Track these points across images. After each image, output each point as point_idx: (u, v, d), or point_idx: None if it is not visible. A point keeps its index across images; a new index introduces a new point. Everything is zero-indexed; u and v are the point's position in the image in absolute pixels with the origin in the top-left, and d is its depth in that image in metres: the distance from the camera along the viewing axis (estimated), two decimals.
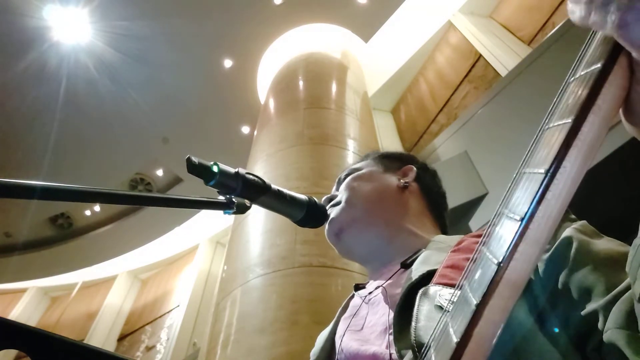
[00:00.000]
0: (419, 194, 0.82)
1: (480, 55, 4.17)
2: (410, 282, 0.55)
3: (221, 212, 0.60)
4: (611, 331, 0.36)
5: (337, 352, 0.63)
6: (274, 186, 0.65)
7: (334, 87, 4.14)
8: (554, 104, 0.30)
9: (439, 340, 0.31)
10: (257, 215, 2.78)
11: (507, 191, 0.30)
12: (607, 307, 0.38)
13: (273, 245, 2.52)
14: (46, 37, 5.01)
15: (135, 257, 7.51)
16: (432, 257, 0.60)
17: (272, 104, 4.28)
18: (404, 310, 0.51)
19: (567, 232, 0.47)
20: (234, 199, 0.60)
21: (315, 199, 0.73)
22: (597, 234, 0.47)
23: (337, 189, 0.85)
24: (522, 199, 0.27)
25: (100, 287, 7.83)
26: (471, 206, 2.69)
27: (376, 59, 5.31)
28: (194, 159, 0.55)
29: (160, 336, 6.12)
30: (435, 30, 5.02)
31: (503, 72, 3.59)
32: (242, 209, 0.61)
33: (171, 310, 6.43)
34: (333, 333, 0.69)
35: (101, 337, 6.59)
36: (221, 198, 0.59)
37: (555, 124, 0.28)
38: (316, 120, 3.55)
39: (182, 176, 6.57)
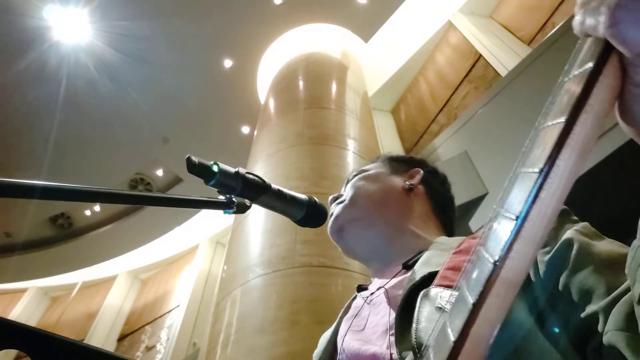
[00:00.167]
0: (425, 197, 0.82)
1: (480, 55, 4.17)
2: (411, 283, 0.55)
3: (221, 211, 0.60)
4: (611, 333, 0.37)
5: (338, 352, 0.64)
6: (274, 186, 0.65)
7: (334, 87, 4.14)
8: (549, 103, 0.31)
9: (437, 339, 0.31)
10: (257, 215, 2.78)
11: (503, 191, 0.31)
12: (607, 309, 0.38)
13: (273, 245, 2.52)
14: (46, 37, 5.01)
15: (135, 257, 7.52)
16: (433, 258, 0.61)
17: (272, 104, 4.28)
18: (405, 312, 0.52)
19: (568, 233, 0.47)
20: (234, 199, 0.60)
21: (316, 199, 0.74)
22: (599, 236, 0.47)
23: (345, 189, 0.86)
24: (517, 198, 0.28)
25: (100, 287, 7.83)
26: (471, 206, 2.70)
27: (376, 59, 5.31)
28: (194, 159, 0.55)
29: (160, 336, 6.12)
30: (435, 30, 5.02)
31: (503, 72, 3.59)
32: (242, 209, 0.61)
33: (171, 310, 6.43)
34: (335, 334, 0.69)
35: (101, 337, 6.59)
36: (221, 198, 0.59)
37: (549, 123, 0.29)
38: (316, 120, 3.56)
39: (182, 176, 6.57)
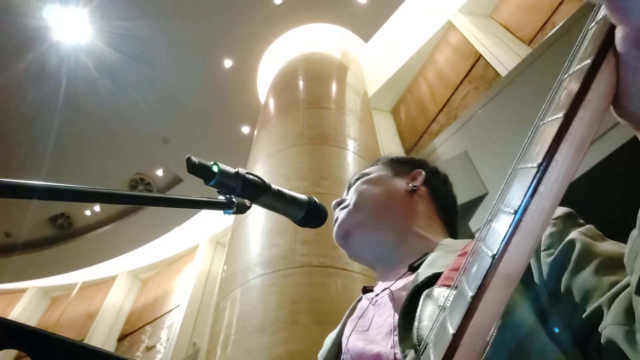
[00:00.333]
0: (428, 198, 0.82)
1: (480, 55, 4.17)
2: (415, 284, 0.56)
3: (221, 212, 0.60)
4: (609, 327, 0.37)
5: (343, 352, 0.64)
6: (274, 186, 0.65)
7: (334, 87, 4.14)
8: (548, 100, 0.31)
9: (437, 334, 0.31)
10: (257, 215, 2.78)
11: (503, 188, 0.31)
12: (610, 303, 0.38)
13: (273, 245, 2.52)
14: (46, 37, 5.01)
15: (135, 257, 7.52)
16: (438, 260, 0.61)
17: (272, 104, 4.28)
18: (408, 312, 0.52)
19: (571, 235, 0.47)
20: (234, 199, 0.59)
21: (316, 199, 0.74)
22: (602, 238, 0.47)
23: (348, 194, 0.86)
24: (516, 194, 0.28)
25: (100, 287, 7.83)
26: (471, 206, 2.70)
27: (376, 59, 5.31)
28: (194, 159, 0.55)
29: (160, 336, 6.12)
30: (435, 30, 5.02)
31: (503, 72, 3.59)
32: (242, 209, 0.61)
33: (171, 310, 6.43)
34: (340, 335, 0.70)
35: (101, 337, 6.59)
36: (221, 198, 0.59)
37: (548, 119, 0.29)
38: (316, 120, 3.56)
39: (182, 176, 6.57)
